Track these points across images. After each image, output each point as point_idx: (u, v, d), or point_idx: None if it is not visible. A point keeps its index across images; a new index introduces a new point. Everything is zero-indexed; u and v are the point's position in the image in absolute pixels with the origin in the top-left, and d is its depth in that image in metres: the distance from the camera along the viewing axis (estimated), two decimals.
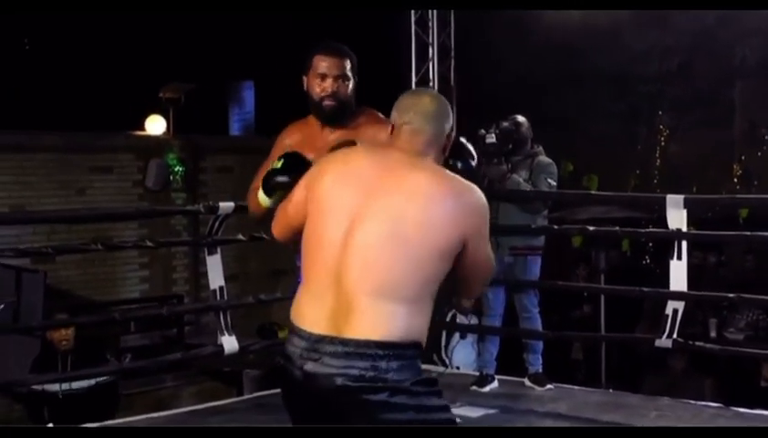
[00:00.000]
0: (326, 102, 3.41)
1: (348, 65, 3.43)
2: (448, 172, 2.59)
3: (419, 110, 2.62)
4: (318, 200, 2.53)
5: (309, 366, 2.39)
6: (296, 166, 3.01)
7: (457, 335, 6.62)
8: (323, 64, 3.41)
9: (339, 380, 2.36)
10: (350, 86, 3.44)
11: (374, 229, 2.42)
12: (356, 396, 2.35)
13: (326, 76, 3.40)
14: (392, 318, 2.38)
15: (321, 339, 2.39)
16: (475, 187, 2.56)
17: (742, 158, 12.78)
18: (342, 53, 3.44)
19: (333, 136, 3.41)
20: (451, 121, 2.68)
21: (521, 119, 5.94)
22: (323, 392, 2.38)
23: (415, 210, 2.43)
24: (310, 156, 3.15)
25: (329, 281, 2.43)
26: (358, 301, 2.38)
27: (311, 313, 2.44)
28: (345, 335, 2.37)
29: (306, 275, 2.52)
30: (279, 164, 3.09)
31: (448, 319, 6.42)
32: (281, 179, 3.05)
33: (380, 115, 3.42)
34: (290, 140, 3.48)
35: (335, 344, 2.37)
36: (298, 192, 2.68)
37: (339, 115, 3.43)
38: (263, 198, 3.14)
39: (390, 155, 2.58)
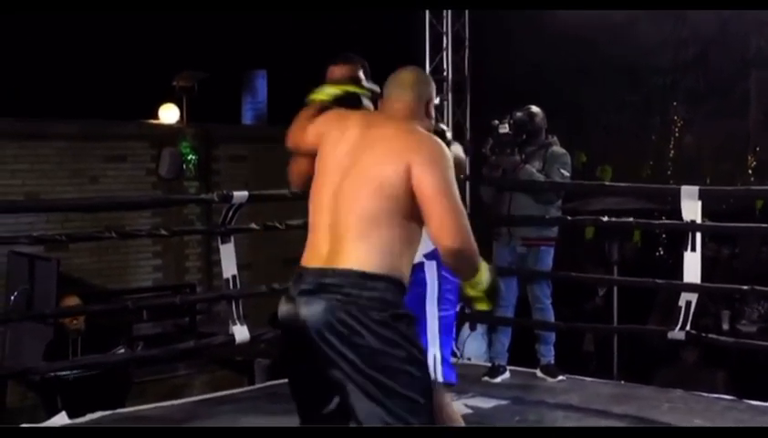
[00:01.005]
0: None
1: (357, 69, 3.72)
2: (417, 127, 2.93)
3: (397, 83, 3.07)
4: (322, 160, 2.95)
5: (302, 293, 2.77)
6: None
7: (467, 326, 6.61)
8: (337, 72, 3.72)
9: (323, 301, 2.72)
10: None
11: (352, 182, 2.82)
12: (333, 313, 2.70)
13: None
14: (367, 255, 2.74)
15: (314, 271, 2.78)
16: (435, 138, 2.90)
17: (757, 149, 12.71)
18: (351, 60, 3.78)
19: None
20: (429, 89, 3.10)
21: (535, 109, 5.93)
22: (312, 312, 2.73)
23: (374, 155, 2.83)
24: None
25: (325, 231, 2.82)
26: (345, 243, 2.77)
27: (309, 256, 2.84)
28: (331, 266, 2.76)
29: (309, 229, 2.91)
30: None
31: (458, 310, 6.41)
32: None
33: None
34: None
35: (325, 274, 2.76)
36: (312, 138, 3.07)
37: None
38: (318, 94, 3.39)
39: (375, 118, 3.04)
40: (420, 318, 3.43)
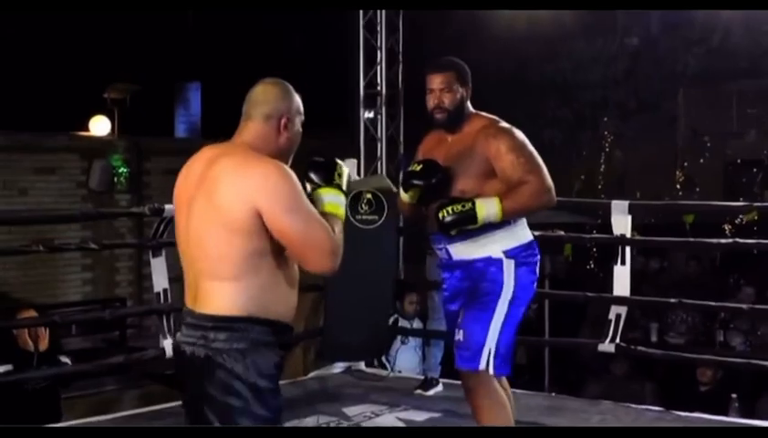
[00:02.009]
0: (436, 114, 3.75)
1: (451, 77, 3.75)
2: (255, 154, 2.76)
3: (249, 100, 2.88)
4: (174, 198, 2.89)
5: (177, 335, 2.83)
6: (429, 171, 3.68)
7: (398, 339, 6.62)
8: (429, 80, 3.77)
9: (186, 347, 2.74)
10: (457, 96, 3.74)
11: (197, 218, 2.74)
12: (191, 360, 2.71)
13: (432, 90, 3.75)
14: (219, 295, 2.70)
15: (185, 313, 2.79)
16: (272, 162, 2.72)
17: (685, 164, 12.98)
18: (443, 67, 3.78)
19: (451, 139, 3.79)
20: (284, 104, 2.87)
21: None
22: (179, 358, 2.78)
23: (217, 195, 2.69)
24: (435, 153, 3.77)
25: (187, 267, 2.81)
26: (201, 281, 2.74)
27: (186, 294, 2.82)
28: (193, 308, 2.75)
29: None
30: (416, 168, 3.72)
31: (390, 323, 6.42)
32: (415, 182, 3.71)
33: (493, 121, 3.77)
34: (424, 145, 3.93)
35: (188, 316, 2.76)
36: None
37: (449, 123, 3.76)
38: (404, 195, 3.77)
39: (220, 147, 2.85)
40: (485, 313, 3.63)
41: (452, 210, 3.55)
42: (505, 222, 3.65)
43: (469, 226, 3.58)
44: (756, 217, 9.85)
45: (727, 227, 11.16)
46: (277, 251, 2.70)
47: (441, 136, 3.84)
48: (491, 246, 3.68)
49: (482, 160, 3.64)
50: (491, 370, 3.63)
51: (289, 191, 2.68)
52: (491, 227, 3.63)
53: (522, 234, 3.76)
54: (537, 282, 3.84)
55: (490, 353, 3.61)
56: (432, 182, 3.66)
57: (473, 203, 3.55)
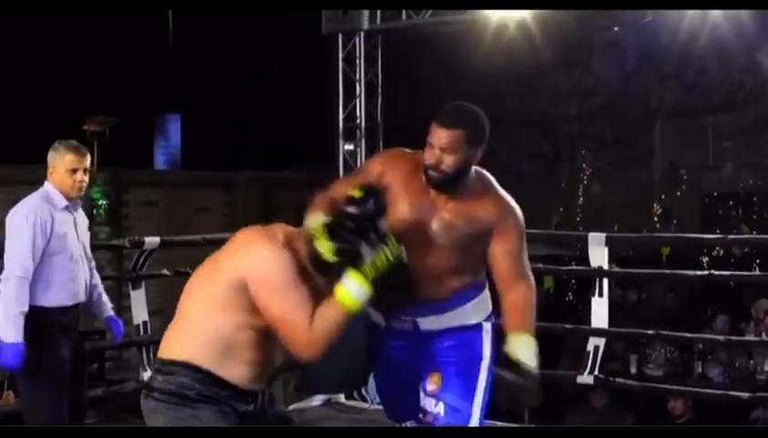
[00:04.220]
0: (431, 172, 3.04)
1: (461, 136, 3.01)
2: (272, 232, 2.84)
3: None
4: None
5: None
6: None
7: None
8: (433, 132, 3.05)
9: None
10: (462, 158, 3.03)
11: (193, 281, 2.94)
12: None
13: (433, 146, 3.03)
14: (172, 342, 2.88)
15: None
16: (267, 246, 2.76)
17: (662, 197, 13.09)
18: (454, 123, 3.03)
19: (448, 205, 3.10)
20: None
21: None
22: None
23: (223, 264, 2.84)
24: (406, 206, 3.06)
25: None
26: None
27: None
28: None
29: None
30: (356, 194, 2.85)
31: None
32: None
33: (497, 191, 3.17)
34: (390, 176, 3.12)
35: None
36: None
37: (444, 187, 3.07)
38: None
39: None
40: (469, 389, 3.20)
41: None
42: (479, 289, 3.25)
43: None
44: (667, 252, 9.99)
45: (704, 259, 11.25)
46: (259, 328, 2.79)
47: (417, 176, 3.10)
48: (467, 316, 3.24)
49: (483, 235, 3.10)
50: None
51: (275, 280, 2.73)
52: (466, 298, 3.21)
53: (488, 299, 3.31)
54: None
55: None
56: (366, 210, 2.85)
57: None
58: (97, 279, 4.35)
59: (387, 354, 3.35)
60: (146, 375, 5.33)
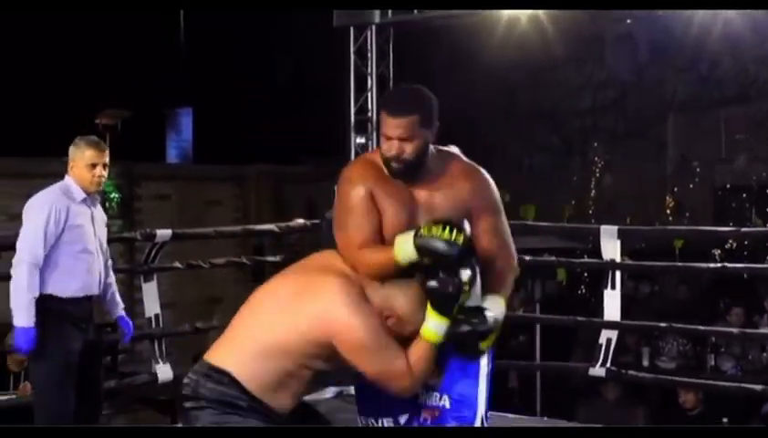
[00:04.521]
0: (393, 164, 2.96)
1: (415, 122, 2.92)
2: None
3: None
4: None
5: None
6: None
7: None
8: (386, 123, 2.94)
9: None
10: (419, 144, 2.94)
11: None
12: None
13: (389, 137, 2.93)
14: (229, 354, 2.86)
15: None
16: (348, 300, 2.79)
17: (675, 190, 13.05)
18: (404, 110, 2.93)
19: (425, 194, 3.02)
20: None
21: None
22: None
23: (304, 304, 2.83)
24: (393, 211, 2.98)
25: None
26: None
27: None
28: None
29: None
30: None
31: None
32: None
33: (464, 164, 3.10)
34: (373, 190, 3.01)
35: None
36: None
37: (407, 175, 2.99)
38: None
39: None
40: (473, 382, 3.14)
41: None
42: None
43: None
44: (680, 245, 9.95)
45: (717, 252, 11.22)
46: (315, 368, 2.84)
47: (386, 176, 3.03)
48: None
49: (465, 214, 3.02)
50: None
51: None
52: None
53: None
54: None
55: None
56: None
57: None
58: (111, 278, 4.40)
59: None
60: (158, 367, 5.35)
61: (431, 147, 3.04)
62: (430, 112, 2.99)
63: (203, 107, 13.46)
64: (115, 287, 4.42)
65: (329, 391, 6.23)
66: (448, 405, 3.12)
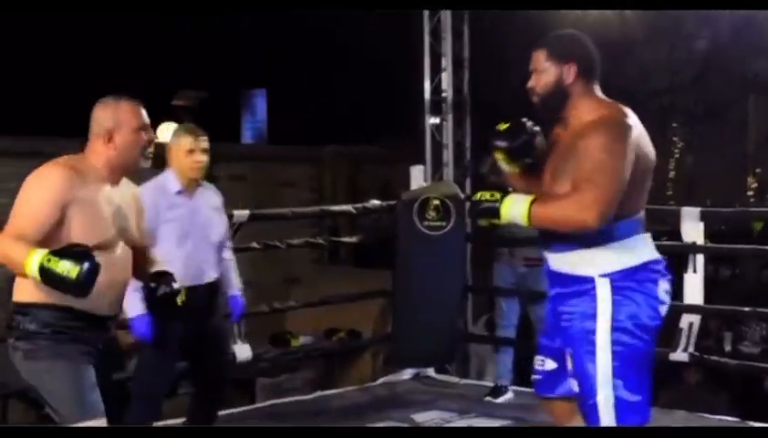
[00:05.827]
0: (533, 98, 3.11)
1: (541, 55, 3.06)
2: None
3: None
4: None
5: None
6: (513, 131, 3.13)
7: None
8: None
9: None
10: (549, 77, 3.04)
11: None
12: None
13: (530, 71, 3.11)
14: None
15: None
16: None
17: (756, 171, 12.77)
18: (539, 44, 3.10)
19: (561, 134, 3.11)
20: (104, 116, 3.18)
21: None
22: None
23: None
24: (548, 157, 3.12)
25: None
26: None
27: None
28: None
29: None
30: (501, 127, 3.15)
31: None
32: (498, 143, 3.16)
33: (606, 117, 3.04)
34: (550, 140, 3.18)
35: None
36: None
37: (543, 110, 3.10)
38: (503, 166, 3.20)
39: None
40: (582, 356, 2.96)
41: (481, 198, 3.00)
42: (607, 234, 2.95)
43: (494, 221, 3.01)
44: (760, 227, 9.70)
45: None
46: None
47: (559, 128, 3.15)
48: (584, 266, 2.98)
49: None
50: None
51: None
52: (587, 240, 2.94)
53: (632, 253, 3.01)
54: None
55: (607, 403, 2.91)
56: (515, 144, 3.09)
57: (502, 197, 2.96)
58: (227, 258, 4.41)
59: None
60: (237, 347, 5.39)
61: (582, 92, 3.08)
62: (561, 46, 3.09)
63: (277, 88, 13.53)
64: (230, 266, 4.44)
65: (407, 373, 6.22)
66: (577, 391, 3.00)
